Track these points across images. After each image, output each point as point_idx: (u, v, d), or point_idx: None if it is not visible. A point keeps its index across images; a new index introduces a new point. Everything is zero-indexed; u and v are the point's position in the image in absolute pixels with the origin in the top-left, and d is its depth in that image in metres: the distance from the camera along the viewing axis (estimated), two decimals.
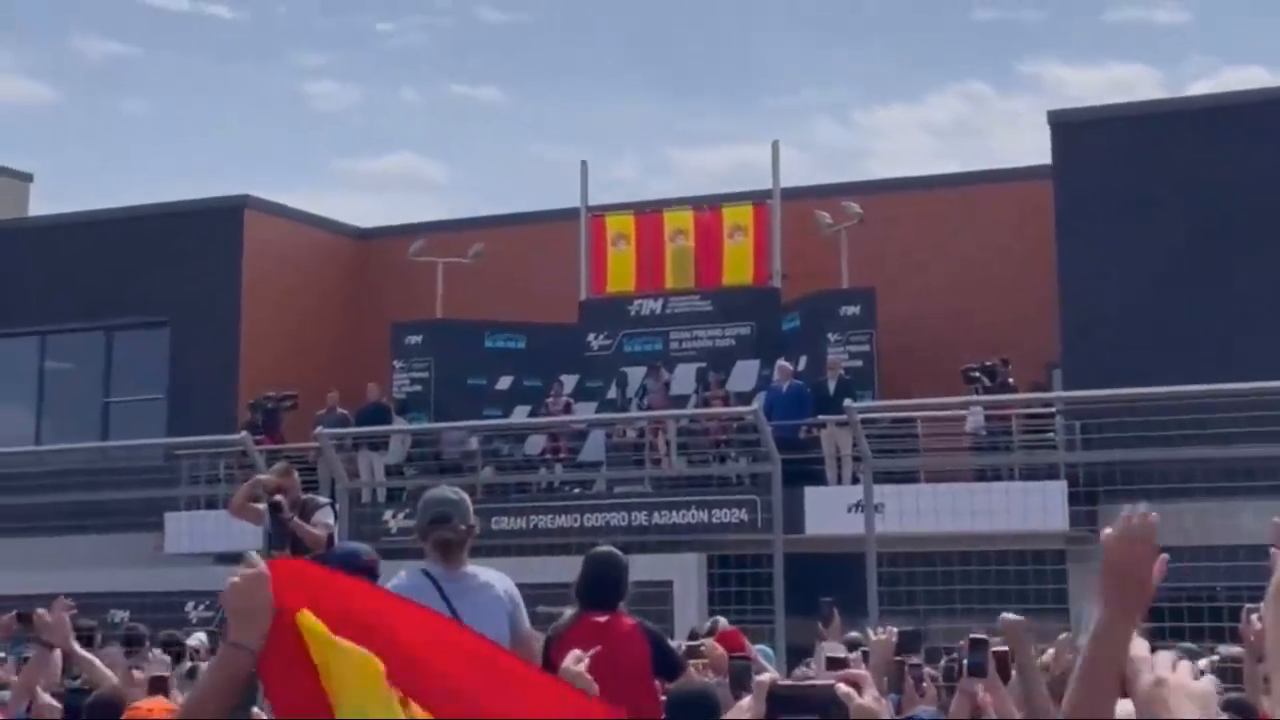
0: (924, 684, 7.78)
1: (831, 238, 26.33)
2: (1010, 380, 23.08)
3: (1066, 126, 24.43)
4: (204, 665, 7.47)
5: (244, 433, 18.16)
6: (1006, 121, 69.50)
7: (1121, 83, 65.67)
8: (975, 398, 21.86)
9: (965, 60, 69.93)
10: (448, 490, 7.70)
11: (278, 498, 12.24)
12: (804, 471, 21.97)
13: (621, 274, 28.31)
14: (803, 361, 25.20)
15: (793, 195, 27.40)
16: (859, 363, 24.86)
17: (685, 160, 68.34)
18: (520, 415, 26.67)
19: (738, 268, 27.73)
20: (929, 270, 27.35)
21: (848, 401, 15.44)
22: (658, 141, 72.48)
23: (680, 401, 26.10)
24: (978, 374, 23.08)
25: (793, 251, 27.00)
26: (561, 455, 25.96)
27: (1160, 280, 23.06)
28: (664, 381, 26.06)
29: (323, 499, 12.62)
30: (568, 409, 25.86)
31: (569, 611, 8.19)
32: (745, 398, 24.64)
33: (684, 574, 21.84)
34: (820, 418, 22.77)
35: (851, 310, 25.39)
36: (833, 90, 71.39)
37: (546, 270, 29.37)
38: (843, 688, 3.64)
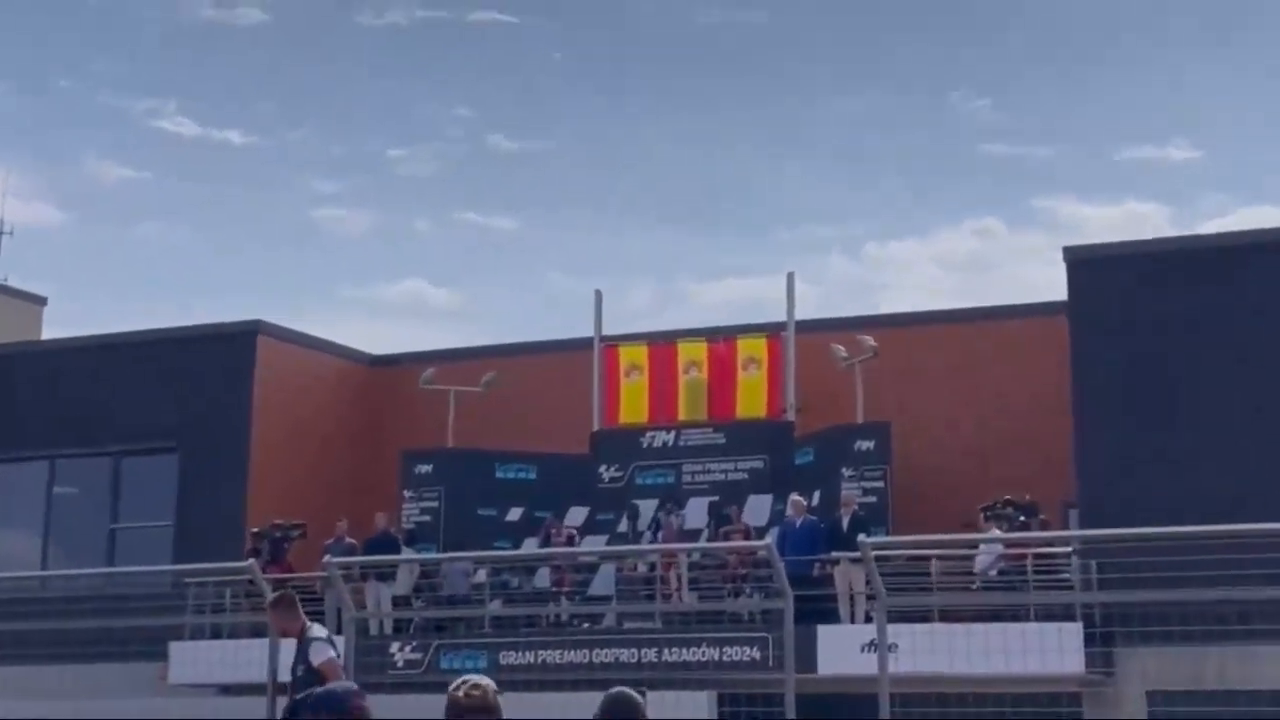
0: None
1: (846, 372, 26.19)
2: (1028, 520, 22.80)
3: (1082, 263, 24.34)
4: None
5: (251, 561, 17.95)
6: (1018, 257, 69.71)
7: (1134, 219, 65.89)
8: (992, 535, 21.59)
9: (977, 195, 70.26)
10: None
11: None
12: (817, 609, 21.70)
13: (634, 405, 28.16)
14: (816, 496, 24.95)
15: (807, 328, 27.30)
16: (873, 499, 24.60)
17: (699, 291, 68.52)
18: (530, 547, 26.40)
19: (751, 400, 27.58)
20: (944, 406, 27.18)
21: (861, 537, 15.23)
22: (672, 272, 72.74)
23: (692, 536, 25.82)
24: (1004, 509, 22.81)
25: (806, 385, 26.86)
26: (568, 589, 25.66)
27: (1177, 418, 22.86)
28: (680, 522, 25.72)
29: (319, 632, 12.20)
30: (570, 541, 25.64)
31: None
32: (758, 533, 24.41)
33: (695, 713, 21.50)
34: (834, 554, 22.51)
35: (866, 445, 25.17)
36: (845, 223, 71.74)
37: (559, 400, 29.24)
38: None
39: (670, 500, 26.28)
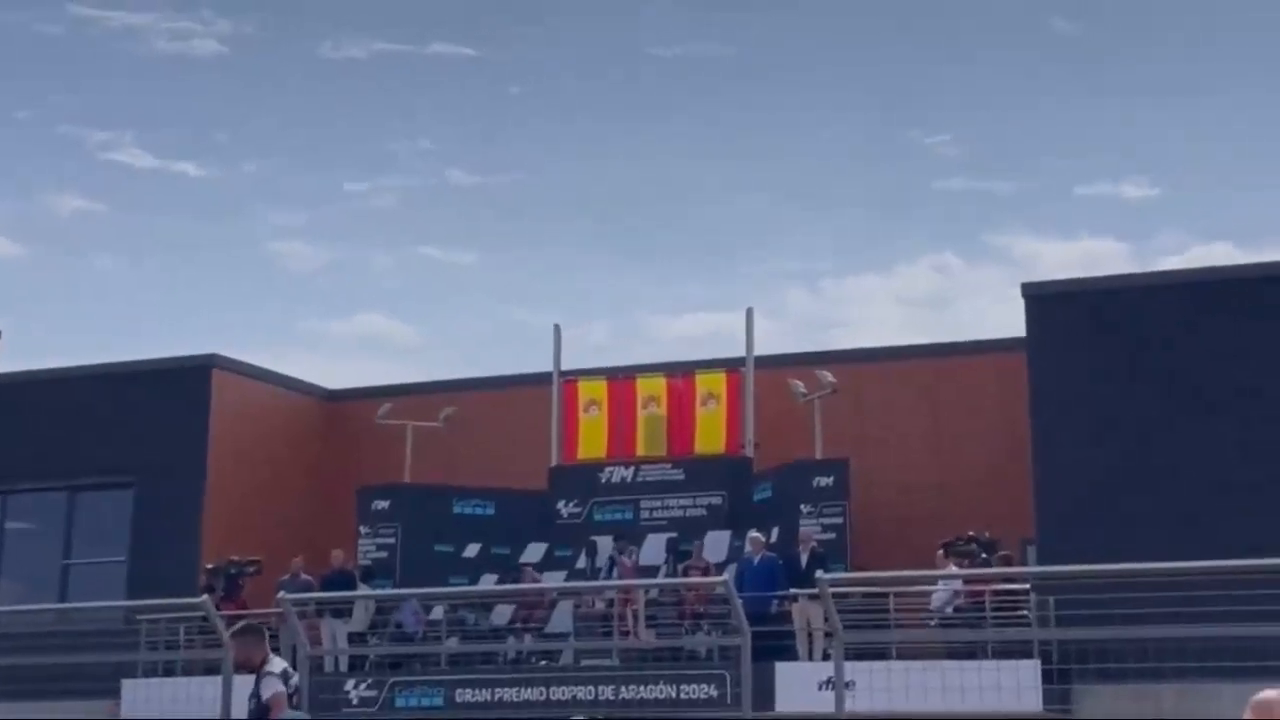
0: None
1: (805, 407, 26.17)
2: (988, 556, 22.77)
3: (1040, 299, 24.38)
4: None
5: (206, 597, 17.77)
6: (975, 293, 69.71)
7: (1091, 256, 65.95)
8: (950, 572, 21.54)
9: (936, 230, 70.24)
10: None
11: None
12: (775, 646, 21.60)
13: (593, 440, 28.06)
14: (775, 532, 24.87)
15: (766, 363, 27.26)
16: (832, 535, 24.54)
17: (659, 325, 68.41)
18: (487, 583, 26.25)
19: (710, 436, 27.52)
20: (903, 441, 27.17)
21: (820, 574, 15.16)
22: (631, 306, 72.55)
23: (650, 572, 25.69)
24: (965, 545, 22.74)
25: (765, 420, 26.81)
26: (534, 625, 25.50)
27: (1135, 454, 22.88)
28: (633, 560, 25.58)
29: (273, 666, 12.06)
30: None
31: None
32: (716, 569, 24.30)
33: None
34: (792, 591, 22.42)
35: (824, 481, 25.11)
36: (803, 259, 71.67)
37: (517, 435, 29.12)
38: None
39: (624, 539, 26.15)
